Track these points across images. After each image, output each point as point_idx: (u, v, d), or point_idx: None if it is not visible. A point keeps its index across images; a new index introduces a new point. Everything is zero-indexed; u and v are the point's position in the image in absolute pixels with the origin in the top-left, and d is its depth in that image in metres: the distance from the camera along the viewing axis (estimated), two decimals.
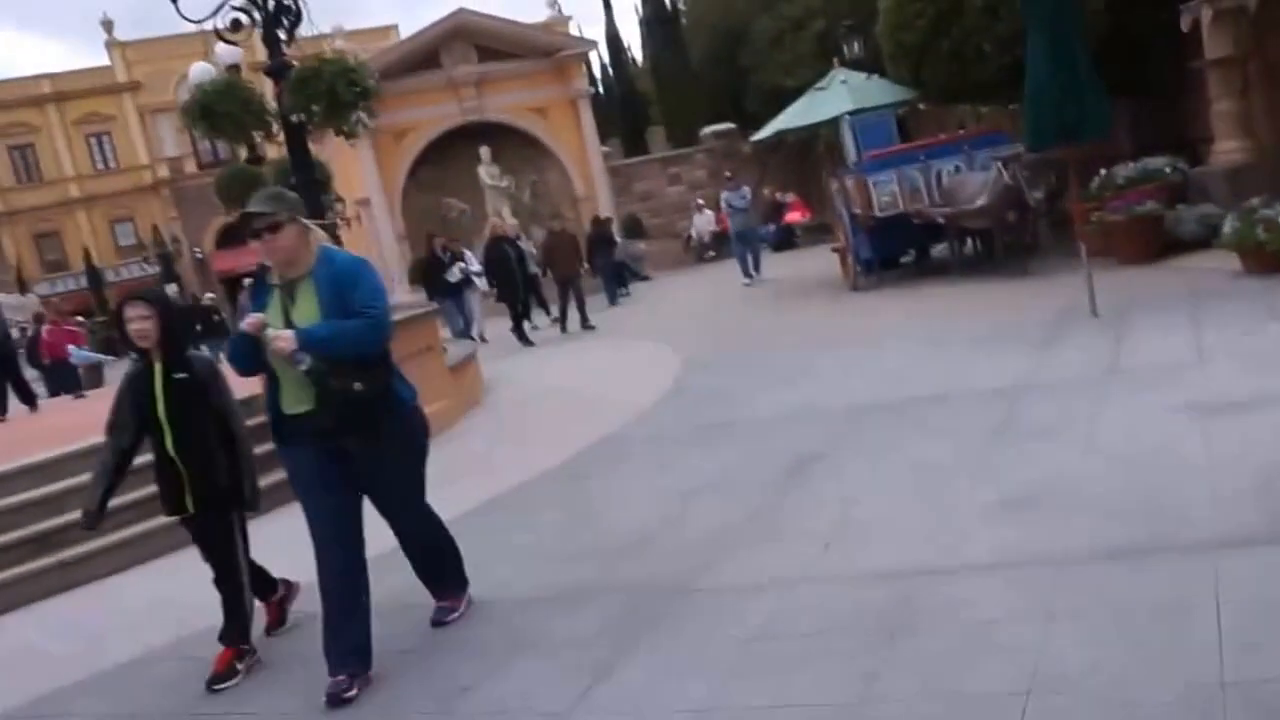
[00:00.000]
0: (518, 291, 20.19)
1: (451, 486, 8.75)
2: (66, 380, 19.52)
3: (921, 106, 20.98)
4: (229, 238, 50.93)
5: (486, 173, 32.25)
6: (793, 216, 31.97)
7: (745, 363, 13.08)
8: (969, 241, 17.14)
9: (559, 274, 21.16)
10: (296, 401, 5.23)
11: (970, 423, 7.80)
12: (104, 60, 57.96)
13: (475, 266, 21.37)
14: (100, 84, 57.44)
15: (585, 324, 20.37)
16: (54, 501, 9.19)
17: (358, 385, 5.16)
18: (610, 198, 34.66)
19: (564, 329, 20.52)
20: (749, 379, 11.75)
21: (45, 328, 19.47)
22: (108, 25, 57.03)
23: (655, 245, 34.22)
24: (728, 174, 27.35)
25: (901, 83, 18.74)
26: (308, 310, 5.18)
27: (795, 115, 20.43)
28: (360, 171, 33.38)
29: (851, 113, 18.25)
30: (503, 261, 20.20)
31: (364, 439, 5.27)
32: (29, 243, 58.06)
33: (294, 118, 12.37)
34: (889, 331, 13.05)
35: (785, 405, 9.87)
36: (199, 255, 56.09)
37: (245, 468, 5.95)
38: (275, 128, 12.89)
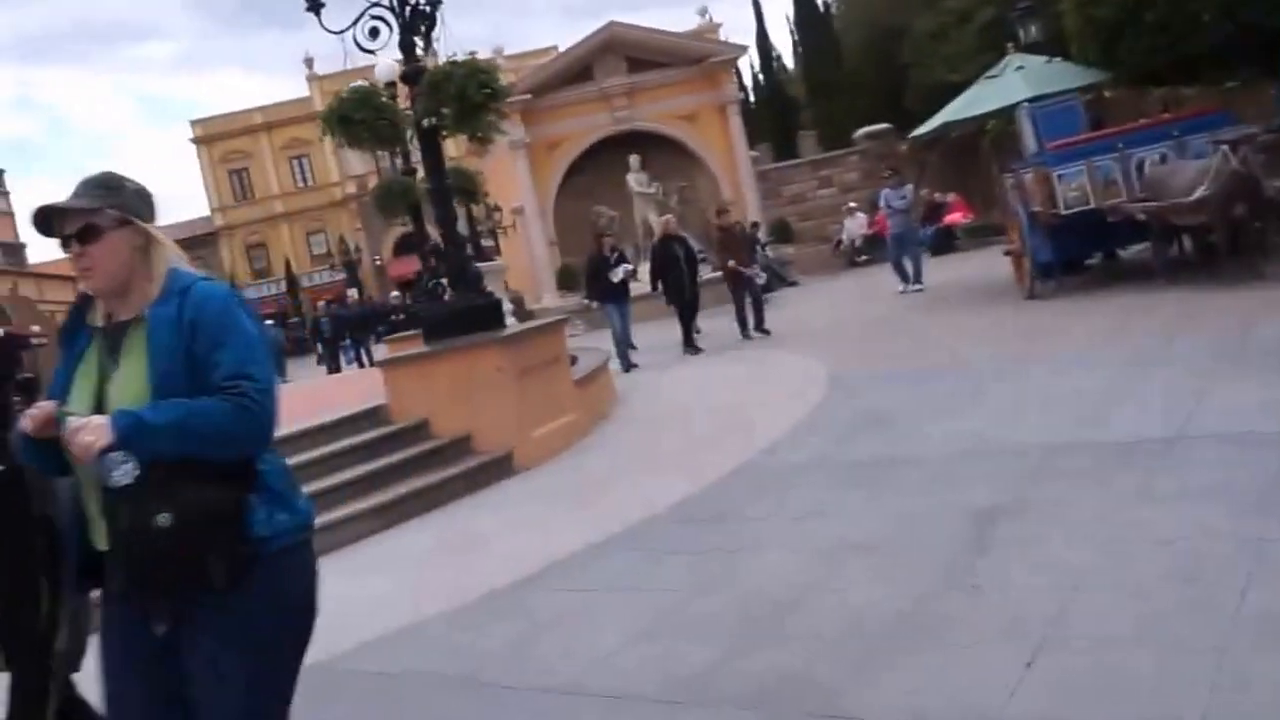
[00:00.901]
0: (685, 294, 16.81)
1: (557, 520, 7.50)
2: None
3: (1107, 94, 17.11)
4: (405, 246, 52.12)
5: (635, 180, 29.70)
6: (953, 217, 28.46)
7: (902, 382, 10.56)
8: (1175, 241, 13.35)
9: (732, 273, 17.57)
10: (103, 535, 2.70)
11: (1224, 481, 5.25)
12: (305, 92, 60.06)
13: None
14: (301, 113, 58.95)
15: (760, 326, 16.92)
16: None
17: (162, 518, 2.48)
18: (758, 202, 31.23)
19: (746, 333, 16.79)
20: (908, 402, 9.37)
21: None
22: (309, 62, 58.64)
23: (804, 249, 31.37)
24: (887, 171, 23.46)
25: (1088, 65, 15.67)
26: (135, 377, 2.67)
27: (964, 106, 17.36)
28: (516, 181, 31.55)
29: (1030, 100, 14.49)
30: (672, 263, 16.90)
31: (180, 611, 2.65)
32: (241, 253, 63.22)
33: (425, 122, 10.90)
34: (1078, 348, 10.33)
35: (955, 439, 7.51)
36: (378, 262, 58.60)
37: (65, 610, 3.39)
38: (410, 135, 12.26)
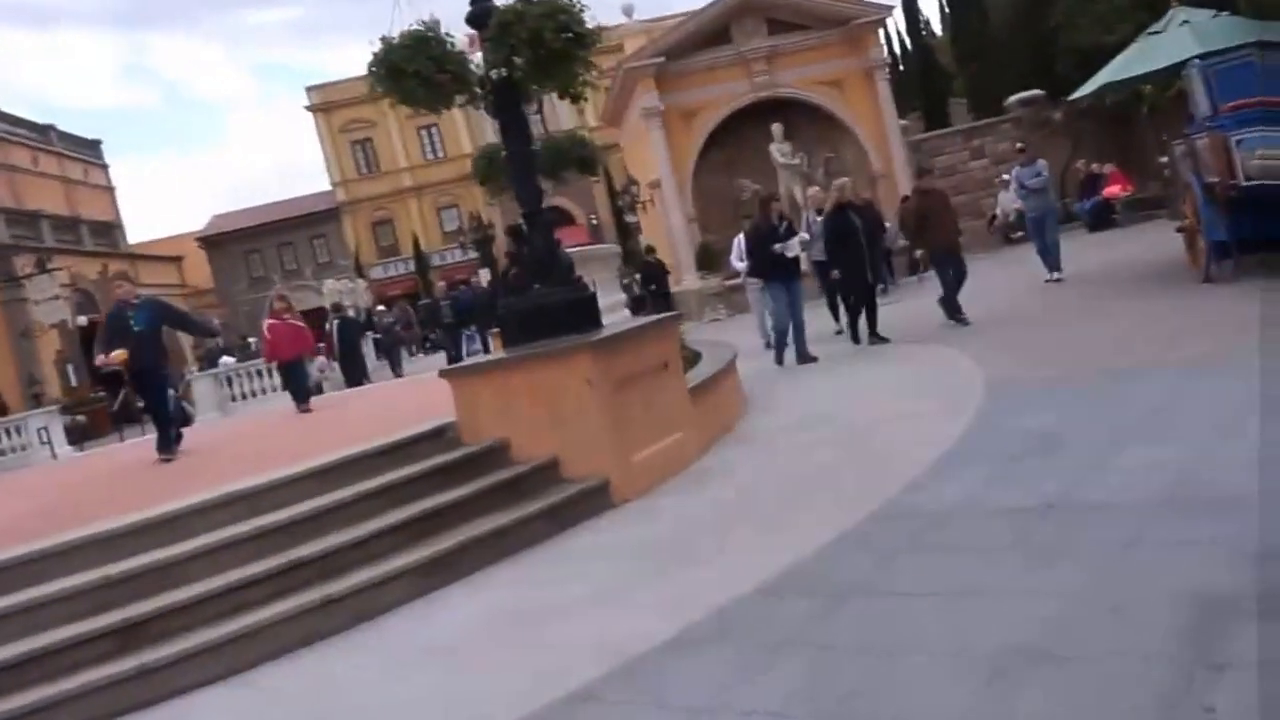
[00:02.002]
0: (864, 274, 15.05)
1: (644, 588, 6.19)
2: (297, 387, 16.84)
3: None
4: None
5: (778, 150, 28.55)
6: (1111, 190, 26.93)
7: (1073, 390, 9.14)
8: None
9: (937, 246, 15.42)
10: None
11: None
12: None
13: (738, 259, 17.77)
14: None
15: (955, 315, 14.94)
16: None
17: None
18: (909, 174, 30.47)
19: (954, 316, 14.90)
20: (1083, 419, 7.95)
21: (267, 323, 16.76)
22: (434, 26, 56.79)
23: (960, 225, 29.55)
24: (1019, 145, 21.32)
25: (1264, 17, 14.14)
26: None
27: (1125, 65, 16.06)
28: (651, 153, 30.65)
29: (1200, 58, 13.71)
30: (850, 235, 14.91)
31: None
32: (367, 230, 62.07)
33: (494, 74, 9.44)
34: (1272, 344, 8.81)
35: (1152, 475, 6.10)
36: None
37: None
38: (481, 91, 9.91)
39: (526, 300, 9.69)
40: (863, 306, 14.98)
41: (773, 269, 14.53)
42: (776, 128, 28.60)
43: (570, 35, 9.21)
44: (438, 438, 8.68)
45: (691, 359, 11.98)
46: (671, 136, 30.25)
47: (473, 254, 54.41)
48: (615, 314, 14.31)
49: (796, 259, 14.62)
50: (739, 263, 17.29)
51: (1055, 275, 17.28)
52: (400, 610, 6.74)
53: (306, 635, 6.31)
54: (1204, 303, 12.11)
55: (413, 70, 9.29)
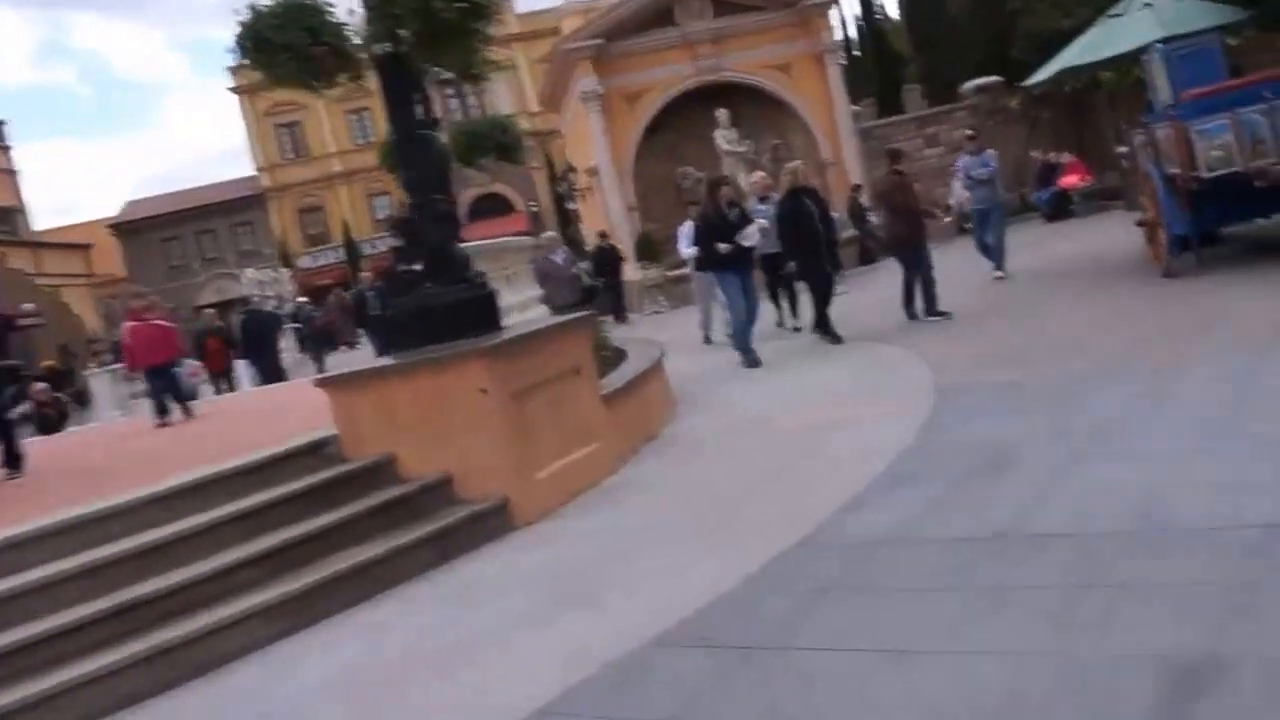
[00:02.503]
0: (824, 263, 14.07)
1: (532, 633, 5.57)
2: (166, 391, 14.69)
3: (1232, 40, 15.72)
4: (482, 209, 53.42)
5: (724, 137, 27.86)
6: (1069, 180, 26.53)
7: (1029, 395, 8.57)
8: None
9: (903, 237, 14.41)
10: None
11: None
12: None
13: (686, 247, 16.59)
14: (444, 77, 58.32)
15: (933, 309, 13.97)
16: None
17: None
18: (860, 162, 30.04)
19: (928, 311, 13.89)
20: (1039, 429, 7.37)
21: (126, 325, 14.85)
22: None
23: None
24: (968, 133, 20.09)
25: (1230, 1, 13.70)
26: None
27: (1084, 50, 15.63)
28: (590, 138, 30.06)
29: (1162, 42, 13.23)
30: (805, 222, 13.83)
31: None
32: (294, 217, 61.65)
33: (378, 48, 8.60)
34: (1256, 349, 8.28)
35: (1112, 499, 5.51)
36: None
37: None
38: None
39: (415, 300, 8.86)
40: (827, 298, 14.06)
41: (726, 259, 13.49)
42: (722, 113, 27.97)
43: (465, 5, 8.43)
44: (315, 453, 7.92)
45: (613, 359, 11.37)
46: (611, 121, 29.65)
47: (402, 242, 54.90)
48: (531, 311, 13.66)
49: (750, 249, 13.70)
50: (687, 250, 16.37)
51: (998, 273, 16.64)
52: (251, 658, 6.02)
53: (134, 692, 5.59)
54: (1167, 299, 11.65)
55: (284, 43, 8.38)
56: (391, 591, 6.73)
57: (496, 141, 16.93)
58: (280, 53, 8.43)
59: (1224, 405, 6.88)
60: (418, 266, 8.86)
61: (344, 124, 59.60)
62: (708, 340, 15.77)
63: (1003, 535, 5.34)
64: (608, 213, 29.95)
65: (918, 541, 5.62)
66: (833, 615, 4.92)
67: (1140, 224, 13.82)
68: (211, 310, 28.41)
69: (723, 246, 13.18)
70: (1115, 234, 17.36)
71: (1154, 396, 7.58)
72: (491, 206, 55.82)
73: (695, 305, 17.54)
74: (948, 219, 19.16)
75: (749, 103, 29.52)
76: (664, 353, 12.03)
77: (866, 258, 26.19)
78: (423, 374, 8.01)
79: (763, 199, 15.49)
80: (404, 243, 9.19)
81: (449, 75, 11.36)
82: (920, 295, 13.93)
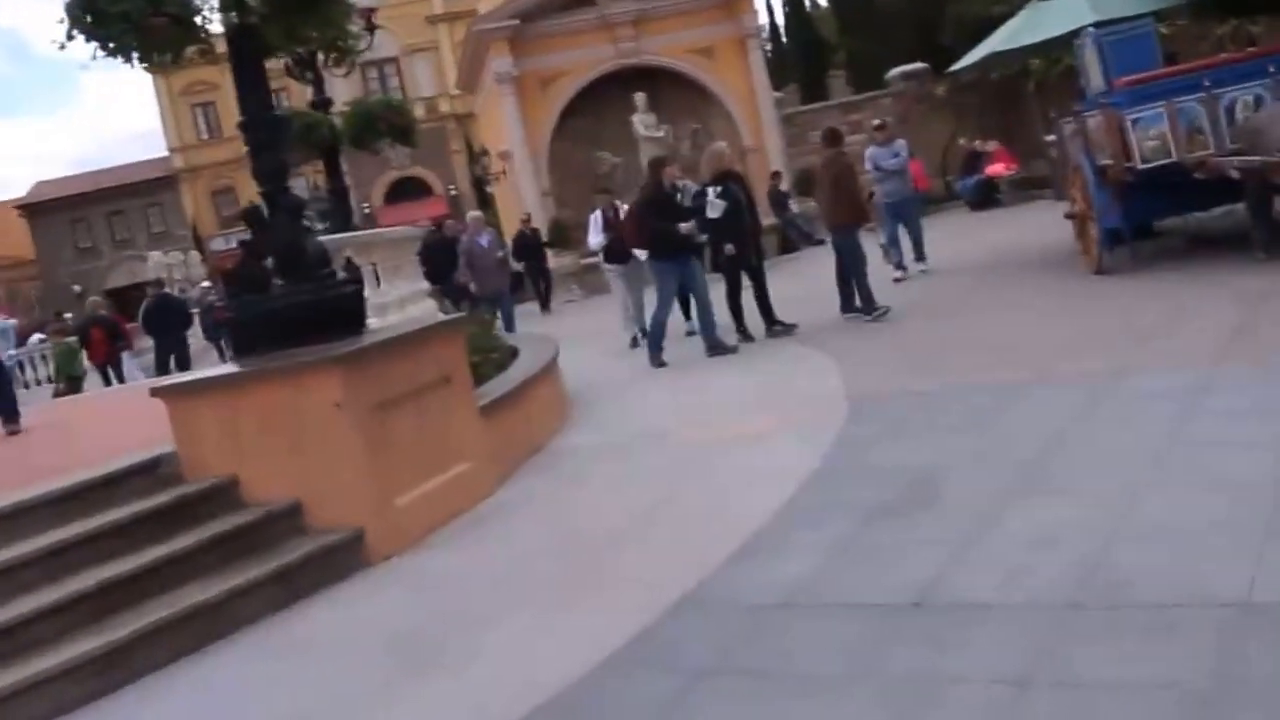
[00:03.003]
0: (754, 253, 13.12)
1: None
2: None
3: (1164, 29, 15.02)
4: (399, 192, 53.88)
5: (641, 122, 26.96)
6: (995, 169, 25.84)
7: (947, 408, 7.82)
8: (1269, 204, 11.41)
9: (845, 222, 12.96)
10: None
11: None
12: None
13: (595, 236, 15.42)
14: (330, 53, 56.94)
15: (850, 308, 12.81)
16: None
17: None
18: (782, 149, 29.24)
19: (868, 310, 12.51)
20: (962, 454, 6.56)
21: None
22: None
23: None
24: (876, 122, 18.89)
25: None
26: None
27: (1014, 34, 14.87)
28: (505, 122, 28.90)
29: (1095, 26, 12.48)
30: (736, 208, 12.72)
31: None
32: (207, 199, 60.19)
33: (226, 18, 7.70)
34: (1203, 356, 7.59)
35: (1053, 556, 4.67)
36: (367, 210, 54.32)
37: None
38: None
39: (264, 300, 7.90)
40: (762, 287, 13.01)
41: (674, 247, 12.34)
42: (640, 97, 27.06)
43: None
44: (149, 474, 6.95)
45: (499, 362, 10.40)
46: (526, 104, 28.57)
47: (320, 225, 53.54)
48: (416, 306, 12.69)
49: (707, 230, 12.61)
50: (596, 239, 15.28)
51: (920, 266, 15.59)
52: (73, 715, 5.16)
53: None
54: (1099, 299, 10.97)
55: (119, 12, 7.29)
56: (227, 641, 5.84)
57: (390, 124, 15.97)
58: (115, 23, 7.34)
59: (1170, 430, 6.14)
60: (268, 262, 7.90)
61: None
62: (636, 342, 14.23)
63: (921, 605, 4.48)
64: (521, 198, 28.90)
65: (820, 608, 4.77)
66: (710, 711, 4.03)
67: (1070, 217, 13.08)
68: (96, 299, 26.93)
69: (684, 226, 12.25)
70: (1042, 224, 16.66)
71: (1090, 417, 6.81)
72: (410, 190, 54.71)
73: (616, 300, 15.67)
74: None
75: (669, 87, 28.59)
76: (558, 352, 11.16)
77: (787, 247, 25.41)
78: (268, 384, 7.05)
79: (674, 188, 14.30)
80: (253, 236, 8.17)
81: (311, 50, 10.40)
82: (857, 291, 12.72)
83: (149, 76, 56.65)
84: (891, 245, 15.63)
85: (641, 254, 13.43)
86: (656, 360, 12.32)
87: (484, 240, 17.62)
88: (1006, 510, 5.37)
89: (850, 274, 12.78)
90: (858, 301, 12.65)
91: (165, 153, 58.83)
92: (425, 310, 12.77)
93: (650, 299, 13.15)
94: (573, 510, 7.36)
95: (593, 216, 15.25)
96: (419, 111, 57.39)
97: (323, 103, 15.62)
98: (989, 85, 26.44)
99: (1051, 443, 6.39)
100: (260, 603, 6.12)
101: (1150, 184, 11.41)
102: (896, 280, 14.71)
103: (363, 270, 12.58)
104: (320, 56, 11.83)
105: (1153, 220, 13.12)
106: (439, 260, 18.28)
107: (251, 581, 6.15)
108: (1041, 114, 23.39)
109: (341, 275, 13.90)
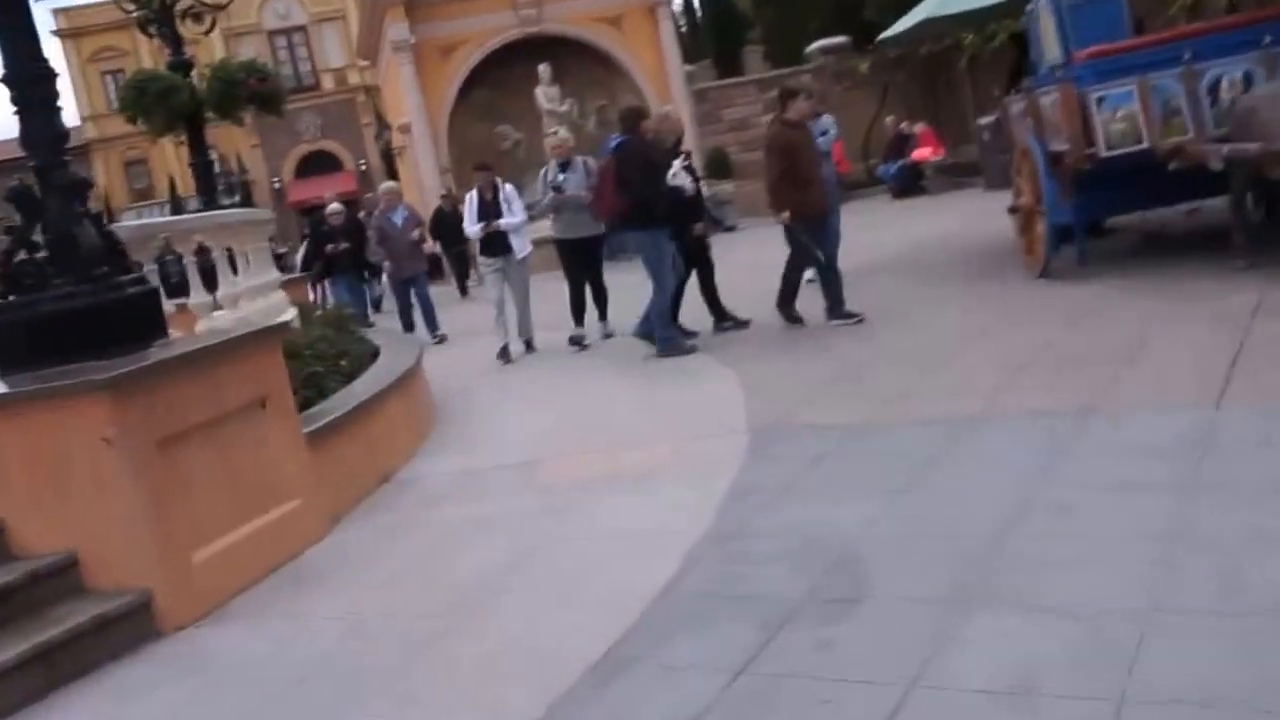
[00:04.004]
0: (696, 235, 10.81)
1: None
2: None
3: None
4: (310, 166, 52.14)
5: (545, 95, 24.80)
6: (921, 153, 24.01)
7: (873, 454, 6.05)
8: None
9: (804, 208, 10.07)
10: None
11: None
12: None
13: (519, 216, 12.00)
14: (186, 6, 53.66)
15: (840, 310, 10.04)
16: None
17: None
18: (694, 127, 27.04)
19: (834, 313, 10.06)
20: (891, 523, 4.87)
21: None
22: None
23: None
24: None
25: None
26: None
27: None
28: (403, 93, 26.78)
29: None
30: (696, 189, 10.92)
31: None
32: (119, 171, 57.16)
33: None
34: (1170, 392, 6.07)
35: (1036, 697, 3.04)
36: (278, 185, 53.39)
37: None
38: None
39: (30, 304, 5.98)
40: (712, 279, 10.89)
41: (660, 216, 9.99)
42: (544, 69, 24.91)
43: None
44: None
45: (350, 371, 8.37)
46: (424, 74, 26.38)
47: (231, 199, 51.03)
48: (265, 299, 10.52)
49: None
50: (473, 228, 12.36)
51: (809, 275, 11.59)
52: None
53: None
54: (1049, 308, 9.08)
55: None
56: None
57: (253, 91, 13.74)
58: None
59: (1161, 503, 4.46)
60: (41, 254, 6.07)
61: None
62: (507, 355, 11.51)
63: None
64: (420, 174, 26.83)
65: None
66: None
67: (1014, 211, 10.98)
68: None
69: (698, 228, 10.58)
70: (972, 216, 14.92)
71: (1058, 475, 5.08)
72: (320, 164, 52.14)
73: (490, 299, 12.38)
74: None
75: (575, 59, 26.51)
76: (420, 357, 9.32)
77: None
78: (27, 412, 5.33)
79: (564, 165, 11.82)
80: (22, 222, 6.08)
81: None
82: (822, 290, 10.25)
83: (56, 41, 53.50)
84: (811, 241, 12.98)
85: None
86: (679, 347, 10.05)
87: (397, 217, 15.02)
88: (952, 637, 3.63)
89: (796, 270, 10.42)
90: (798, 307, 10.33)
91: (77, 122, 55.48)
92: (276, 302, 10.80)
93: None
94: (404, 573, 5.58)
95: (469, 198, 12.34)
96: (328, 83, 54.81)
97: (181, 65, 13.59)
98: (918, 61, 24.89)
99: (1012, 516, 4.61)
100: (15, 691, 4.49)
101: (1111, 174, 9.52)
102: (811, 280, 12.42)
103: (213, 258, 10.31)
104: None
105: (1108, 216, 11.06)
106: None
107: (6, 662, 4.51)
108: (974, 93, 21.57)
109: (151, 268, 11.60)
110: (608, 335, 11.64)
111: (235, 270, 10.24)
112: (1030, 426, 5.86)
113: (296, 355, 7.65)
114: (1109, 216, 11.13)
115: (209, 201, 13.22)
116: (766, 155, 10.33)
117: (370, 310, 18.29)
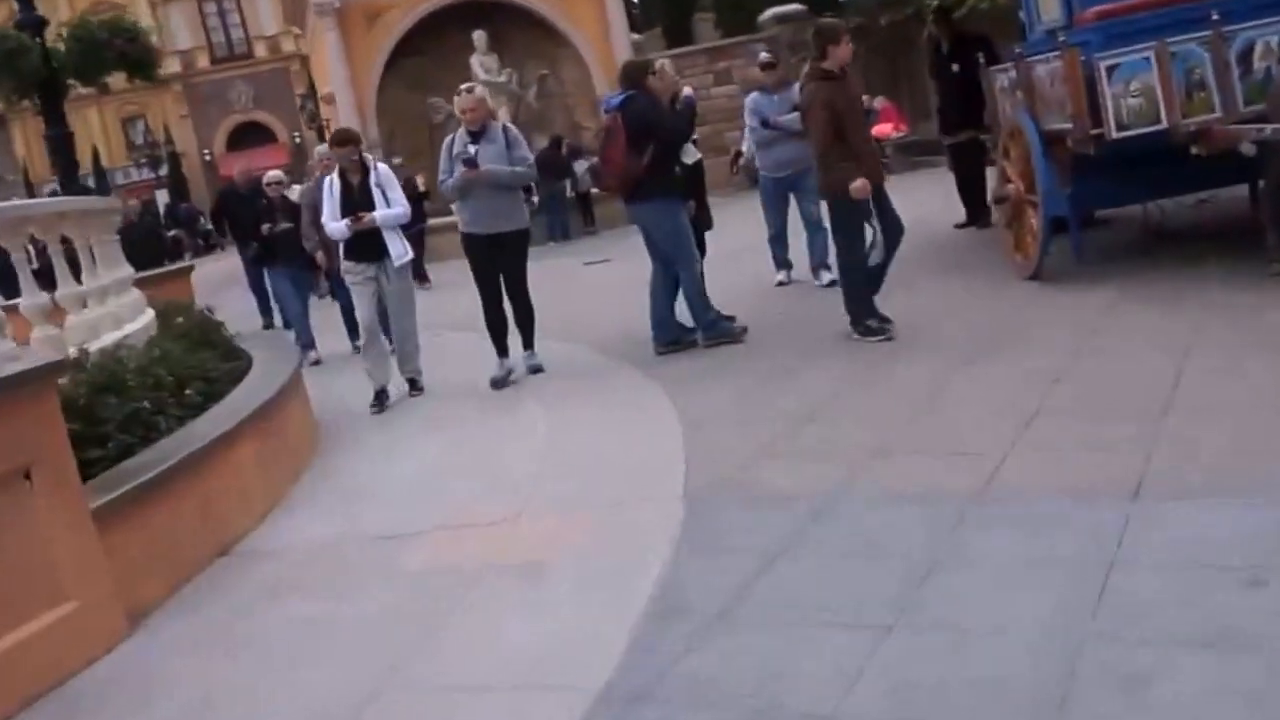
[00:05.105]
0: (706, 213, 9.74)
1: None
2: None
3: None
4: (241, 138, 50.85)
5: (481, 65, 23.31)
6: (882, 129, 22.57)
7: (839, 544, 4.36)
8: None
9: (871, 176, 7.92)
10: None
11: None
12: None
13: (398, 207, 8.89)
14: None
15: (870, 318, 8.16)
16: None
17: None
18: None
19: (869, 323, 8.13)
20: (877, 675, 3.15)
21: None
22: None
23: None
24: (765, 57, 13.04)
25: None
26: None
27: None
28: (328, 61, 24.96)
29: None
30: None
31: None
32: (39, 141, 52.41)
33: None
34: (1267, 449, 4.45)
35: None
36: (208, 157, 52.38)
37: None
38: None
39: None
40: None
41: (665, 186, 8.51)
42: (479, 36, 23.37)
43: None
44: None
45: (203, 399, 6.72)
46: (350, 41, 24.56)
47: (159, 172, 49.95)
48: (117, 299, 8.68)
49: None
50: (334, 225, 9.54)
51: (827, 278, 10.20)
52: None
53: None
54: (1043, 327, 7.52)
55: None
56: None
57: (119, 51, 12.10)
58: None
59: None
60: None
61: None
62: (382, 401, 8.75)
63: None
64: None
65: None
66: None
67: (1000, 200, 9.39)
68: None
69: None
70: (937, 201, 13.37)
71: (1123, 589, 3.49)
72: (252, 136, 50.28)
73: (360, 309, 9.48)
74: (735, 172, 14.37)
75: (514, 26, 24.89)
76: (298, 373, 7.86)
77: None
78: None
79: (476, 133, 9.53)
80: None
81: None
82: (844, 292, 8.32)
83: None
84: (779, 239, 11.24)
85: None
86: (728, 331, 8.74)
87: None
88: None
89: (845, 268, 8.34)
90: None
91: None
92: (133, 302, 8.99)
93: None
94: (208, 707, 4.07)
95: (326, 183, 9.07)
96: (261, 50, 52.83)
97: (31, 22, 11.87)
98: (878, 31, 23.45)
99: (1061, 671, 3.06)
100: None
101: (1117, 158, 8.02)
102: (780, 284, 10.84)
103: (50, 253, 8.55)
104: None
105: (1110, 207, 9.62)
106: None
107: None
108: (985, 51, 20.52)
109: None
110: (534, 369, 8.89)
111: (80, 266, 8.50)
112: (1057, 512, 4.27)
113: (119, 388, 6.01)
114: (1110, 207, 9.66)
115: (67, 183, 11.52)
116: (807, 120, 8.34)
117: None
